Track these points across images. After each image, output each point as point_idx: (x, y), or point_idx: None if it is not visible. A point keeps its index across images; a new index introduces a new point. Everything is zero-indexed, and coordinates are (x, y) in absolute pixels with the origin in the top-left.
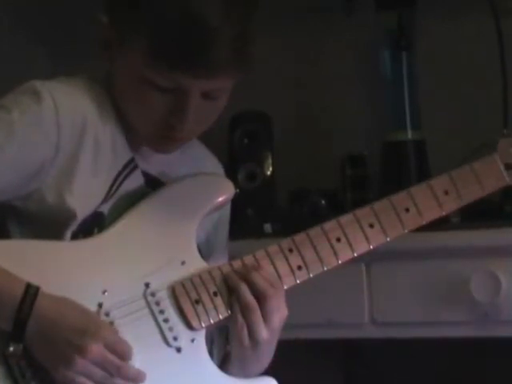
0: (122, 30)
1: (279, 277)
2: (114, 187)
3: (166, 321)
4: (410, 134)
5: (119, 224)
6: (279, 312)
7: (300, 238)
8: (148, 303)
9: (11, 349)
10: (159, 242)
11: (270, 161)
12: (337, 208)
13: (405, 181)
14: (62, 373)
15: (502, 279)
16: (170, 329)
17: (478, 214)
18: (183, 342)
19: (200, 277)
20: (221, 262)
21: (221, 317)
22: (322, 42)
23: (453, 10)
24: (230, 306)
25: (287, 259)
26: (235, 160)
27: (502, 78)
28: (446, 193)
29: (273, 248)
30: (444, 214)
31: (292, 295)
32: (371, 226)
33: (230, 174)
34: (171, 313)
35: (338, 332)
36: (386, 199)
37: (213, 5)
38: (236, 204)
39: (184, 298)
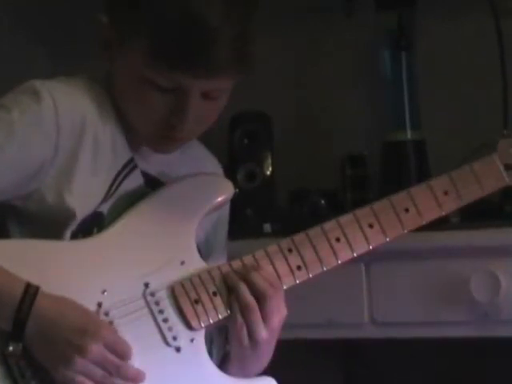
0: (122, 30)
1: (279, 277)
2: (114, 187)
3: (165, 321)
4: (409, 134)
5: (119, 224)
6: (279, 312)
7: (299, 238)
8: (147, 303)
9: (11, 348)
10: (159, 241)
11: (269, 161)
12: (337, 208)
13: (405, 181)
14: (62, 372)
15: (501, 279)
16: (170, 328)
17: (478, 214)
18: (182, 342)
19: (199, 277)
20: (220, 261)
21: (220, 317)
22: (322, 41)
23: (453, 9)
24: (229, 305)
25: (287, 259)
26: (235, 160)
27: (501, 78)
28: (446, 193)
29: (272, 248)
30: (444, 214)
31: (292, 295)
32: (371, 226)
33: (230, 173)
34: (170, 313)
35: (337, 332)
36: (386, 199)
37: (213, 5)
38: (235, 204)
39: (183, 297)
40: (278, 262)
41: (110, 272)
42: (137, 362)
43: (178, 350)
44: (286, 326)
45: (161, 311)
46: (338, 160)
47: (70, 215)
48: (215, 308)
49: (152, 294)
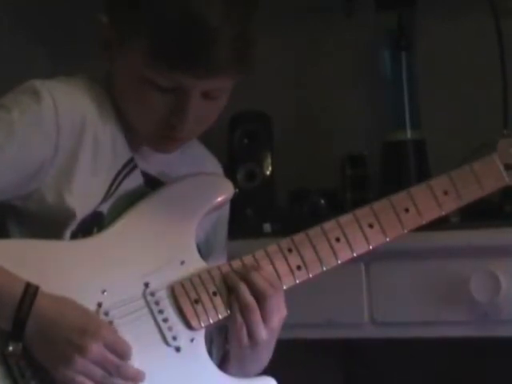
0: (122, 30)
1: (279, 277)
2: (114, 187)
3: (165, 320)
4: (409, 134)
5: (118, 224)
6: (278, 312)
7: (299, 237)
8: (147, 303)
9: (10, 348)
10: (158, 241)
11: (269, 161)
12: (336, 208)
13: (405, 181)
14: (62, 372)
15: (501, 279)
16: (170, 328)
17: (478, 214)
18: (182, 342)
19: (199, 276)
20: (220, 261)
21: (220, 316)
22: (322, 41)
23: (453, 9)
24: (229, 305)
25: (286, 259)
26: (235, 160)
27: (501, 78)
28: (446, 193)
29: (272, 248)
30: (444, 214)
31: (291, 295)
32: (371, 226)
33: (230, 173)
34: (170, 312)
35: (337, 332)
36: (386, 199)
37: (213, 5)
38: (235, 204)
39: (183, 297)
40: (277, 261)
41: (110, 272)
42: (137, 361)
43: (177, 349)
44: (286, 325)
45: (161, 311)
46: (338, 160)
47: (69, 215)
48: (215, 308)
49: (152, 294)
